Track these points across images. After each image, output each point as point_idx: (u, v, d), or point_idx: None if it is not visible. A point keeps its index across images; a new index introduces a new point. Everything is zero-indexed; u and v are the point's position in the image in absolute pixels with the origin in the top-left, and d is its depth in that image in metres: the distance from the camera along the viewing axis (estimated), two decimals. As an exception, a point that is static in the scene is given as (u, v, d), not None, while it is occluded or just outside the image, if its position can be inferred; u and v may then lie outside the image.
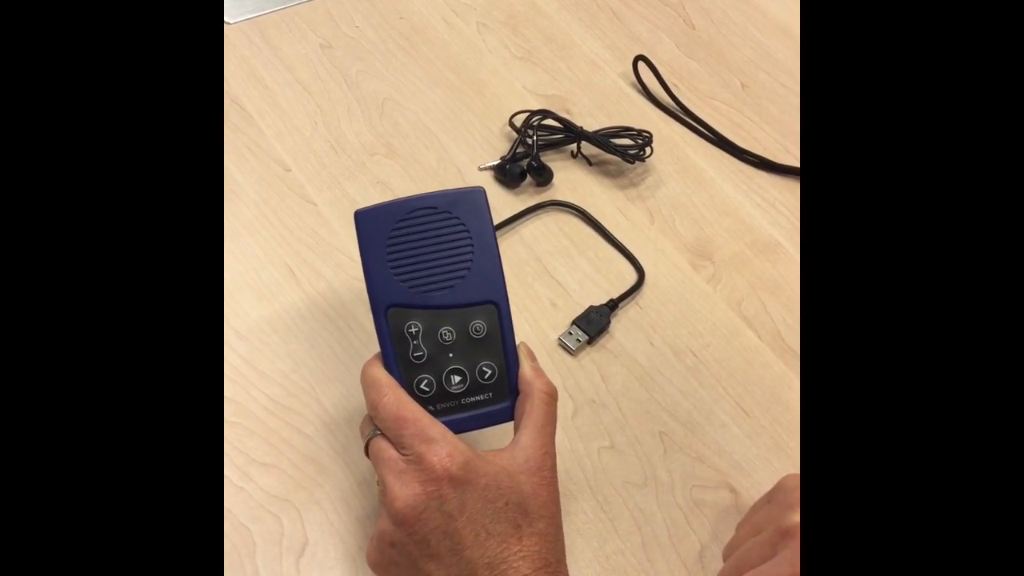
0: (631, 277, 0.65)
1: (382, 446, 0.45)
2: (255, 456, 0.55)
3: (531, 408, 0.47)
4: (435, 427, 0.45)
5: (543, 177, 0.69)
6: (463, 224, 0.48)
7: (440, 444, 0.44)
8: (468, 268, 0.48)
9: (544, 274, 0.65)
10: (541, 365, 0.52)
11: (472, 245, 0.48)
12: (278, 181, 0.68)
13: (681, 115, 0.75)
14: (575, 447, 0.57)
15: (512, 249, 0.66)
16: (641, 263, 0.65)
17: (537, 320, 0.62)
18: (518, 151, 0.70)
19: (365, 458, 0.47)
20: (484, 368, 0.48)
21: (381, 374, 0.47)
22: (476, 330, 0.48)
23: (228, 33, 0.77)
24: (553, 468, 0.46)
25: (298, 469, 0.54)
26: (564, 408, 0.58)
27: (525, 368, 0.48)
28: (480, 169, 0.70)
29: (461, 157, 0.71)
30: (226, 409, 0.56)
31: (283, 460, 0.55)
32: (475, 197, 0.48)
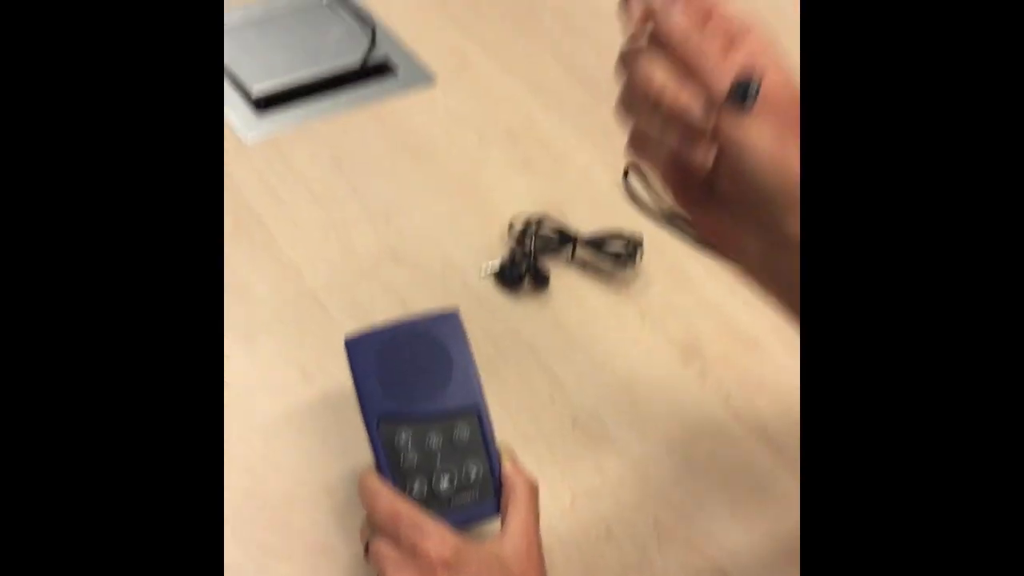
0: (627, 374, 0.69)
1: (380, 546, 0.49)
2: (270, 547, 0.58)
3: (515, 502, 0.51)
4: (428, 519, 0.49)
5: (541, 280, 0.74)
6: (442, 342, 0.54)
7: (433, 533, 0.48)
8: (449, 380, 0.53)
9: (542, 371, 0.69)
10: (541, 456, 0.55)
11: (451, 360, 0.54)
12: (292, 287, 0.72)
13: (670, 220, 0.80)
14: (574, 536, 0.60)
15: (513, 349, 0.70)
16: (632, 357, 0.69)
17: (537, 415, 0.66)
18: (517, 256, 0.74)
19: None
20: (469, 469, 0.53)
21: (375, 481, 0.52)
22: (460, 435, 0.53)
23: (246, 150, 0.82)
24: (540, 556, 0.50)
25: (311, 558, 0.57)
26: (561, 498, 0.62)
27: (507, 465, 0.53)
28: (481, 274, 0.75)
29: (463, 262, 0.75)
30: (242, 500, 0.60)
31: (297, 550, 0.58)
32: (451, 318, 0.55)
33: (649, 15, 0.46)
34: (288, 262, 0.74)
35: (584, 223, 0.79)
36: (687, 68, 0.45)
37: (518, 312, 0.72)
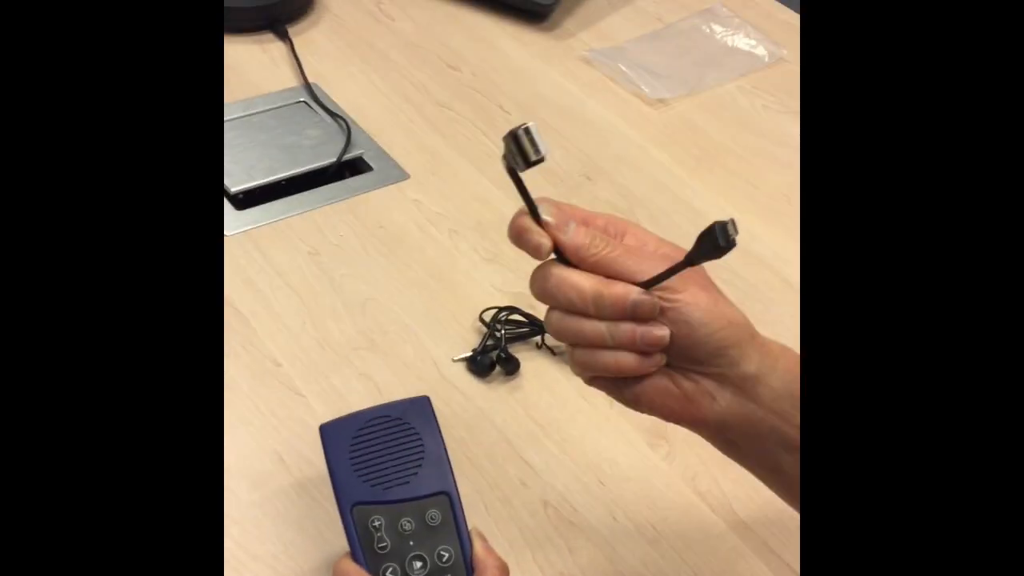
0: (596, 458, 0.71)
1: None
2: (247, 634, 0.58)
3: None
4: None
5: (511, 367, 0.76)
6: (414, 428, 0.56)
7: None
8: (420, 465, 0.55)
9: (513, 455, 0.71)
10: (512, 539, 0.57)
11: (423, 445, 0.56)
12: (270, 376, 0.74)
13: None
14: (546, 617, 0.61)
15: (485, 434, 0.72)
16: (601, 441, 0.72)
17: (509, 499, 0.68)
18: (488, 343, 0.77)
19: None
20: (442, 552, 0.54)
21: (350, 566, 0.53)
22: (432, 518, 0.54)
23: (226, 244, 0.85)
24: None
25: (287, 645, 0.58)
26: (535, 580, 0.63)
27: (478, 548, 0.54)
28: (453, 361, 0.77)
29: (436, 350, 0.78)
30: (220, 590, 0.60)
31: (273, 637, 0.58)
32: (422, 404, 0.57)
33: (551, 236, 0.49)
34: (266, 352, 0.76)
35: (552, 312, 0.82)
36: (603, 269, 0.49)
37: (489, 398, 0.75)
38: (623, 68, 1.10)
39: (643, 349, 0.50)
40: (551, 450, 0.71)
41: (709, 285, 0.51)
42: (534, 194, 0.50)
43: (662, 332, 0.49)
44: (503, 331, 0.77)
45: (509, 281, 0.85)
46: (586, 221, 0.51)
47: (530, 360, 0.78)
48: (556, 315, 0.51)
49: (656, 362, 0.50)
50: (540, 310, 0.81)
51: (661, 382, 0.51)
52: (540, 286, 0.50)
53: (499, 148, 1.00)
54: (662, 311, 0.49)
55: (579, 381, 0.76)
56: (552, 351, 0.79)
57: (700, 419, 0.52)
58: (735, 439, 0.53)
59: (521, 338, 0.79)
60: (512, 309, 0.79)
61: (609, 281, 0.49)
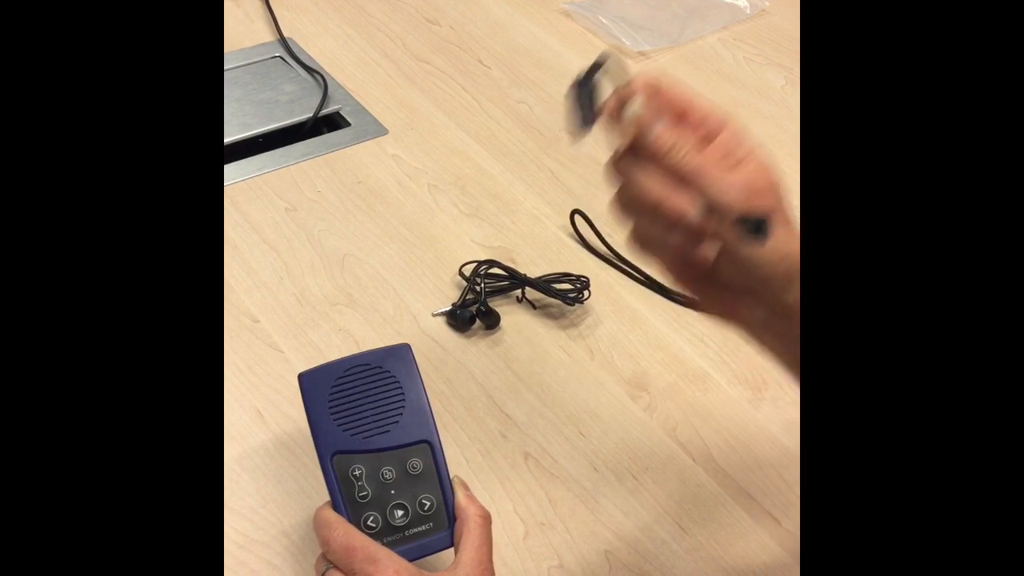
0: (576, 409, 0.71)
1: None
2: (227, 587, 0.58)
3: (468, 531, 0.52)
4: (381, 551, 0.50)
5: (491, 320, 0.76)
6: (394, 376, 0.55)
7: (386, 564, 0.49)
8: (401, 413, 0.55)
9: (494, 408, 0.70)
10: (493, 491, 0.57)
11: (403, 393, 0.55)
12: (248, 332, 0.74)
13: (615, 261, 0.83)
14: (527, 567, 0.61)
15: (465, 388, 0.72)
16: (582, 394, 0.72)
17: (490, 451, 0.68)
18: (468, 298, 0.76)
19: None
20: (423, 501, 0.54)
21: (330, 514, 0.53)
22: (413, 467, 0.54)
23: (201, 200, 0.84)
24: None
25: (268, 598, 0.58)
26: (515, 530, 0.63)
27: (460, 496, 0.54)
28: (433, 315, 0.76)
29: (416, 305, 0.77)
30: (199, 544, 0.60)
31: (254, 590, 0.58)
32: (402, 352, 0.56)
33: (636, 129, 0.49)
34: (243, 308, 0.76)
35: (532, 266, 0.81)
36: (678, 176, 0.48)
37: (470, 352, 0.74)
38: (603, 20, 1.09)
39: (685, 261, 0.50)
40: (532, 402, 0.71)
41: (780, 214, 0.49)
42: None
43: (707, 254, 0.49)
44: (483, 285, 0.77)
45: (489, 235, 0.84)
46: (682, 113, 0.49)
47: (510, 314, 0.77)
48: (621, 198, 0.51)
49: (695, 273, 0.51)
50: (519, 264, 0.81)
51: (701, 283, 0.52)
52: (612, 167, 0.50)
53: (478, 101, 0.99)
54: (718, 234, 0.49)
55: (560, 334, 0.76)
56: (532, 304, 0.78)
57: (732, 320, 0.54)
58: (768, 343, 0.54)
59: (501, 292, 0.78)
60: (492, 263, 0.78)
61: (675, 192, 0.48)
